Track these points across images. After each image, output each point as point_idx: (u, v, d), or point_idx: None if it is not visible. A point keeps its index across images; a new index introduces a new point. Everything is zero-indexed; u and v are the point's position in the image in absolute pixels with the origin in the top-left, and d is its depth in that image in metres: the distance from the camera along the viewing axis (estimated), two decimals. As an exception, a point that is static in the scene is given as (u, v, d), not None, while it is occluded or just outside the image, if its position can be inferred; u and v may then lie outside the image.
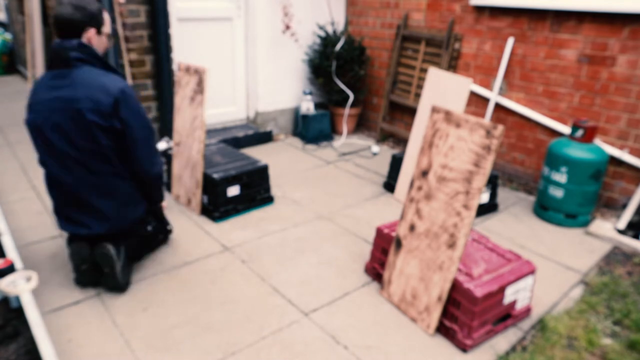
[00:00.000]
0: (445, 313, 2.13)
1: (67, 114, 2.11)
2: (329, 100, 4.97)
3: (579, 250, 2.92)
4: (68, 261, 2.58)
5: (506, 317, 2.19)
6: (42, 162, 2.27)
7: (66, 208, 2.32)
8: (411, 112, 4.53)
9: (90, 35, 2.18)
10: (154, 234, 2.65)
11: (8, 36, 8.10)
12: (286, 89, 4.83)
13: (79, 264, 2.34)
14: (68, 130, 2.14)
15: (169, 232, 2.82)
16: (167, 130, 3.90)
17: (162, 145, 2.82)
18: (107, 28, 2.26)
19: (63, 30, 2.13)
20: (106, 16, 2.26)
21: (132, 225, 2.43)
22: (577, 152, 3.05)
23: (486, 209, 3.34)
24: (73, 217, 2.32)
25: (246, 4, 4.47)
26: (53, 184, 2.30)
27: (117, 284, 2.34)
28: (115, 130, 2.17)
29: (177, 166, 3.37)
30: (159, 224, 2.70)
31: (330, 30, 4.83)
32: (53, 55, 2.15)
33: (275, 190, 3.57)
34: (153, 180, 2.43)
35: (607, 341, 2.16)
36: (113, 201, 2.31)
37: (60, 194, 2.30)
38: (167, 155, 3.52)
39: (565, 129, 3.48)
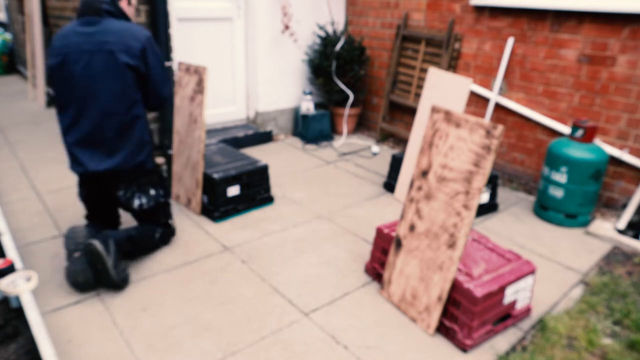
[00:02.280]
0: (445, 313, 2.13)
1: (100, 55, 2.30)
2: (329, 100, 4.97)
3: (579, 250, 2.92)
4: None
5: (506, 317, 2.19)
6: (60, 103, 2.39)
7: (78, 147, 2.40)
8: (411, 112, 4.53)
9: (122, 4, 2.45)
10: (149, 233, 2.62)
11: (8, 36, 8.10)
12: (286, 89, 4.83)
13: (72, 250, 2.33)
14: (98, 69, 2.30)
15: (172, 231, 2.80)
16: (167, 130, 3.91)
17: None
18: (134, 1, 2.56)
19: None
20: None
21: (138, 169, 2.49)
22: (577, 152, 3.05)
23: (486, 209, 3.34)
24: (83, 156, 2.40)
25: (246, 4, 4.47)
26: (69, 123, 2.40)
27: (112, 281, 2.30)
28: (139, 72, 2.38)
29: (177, 166, 3.37)
30: (165, 190, 2.71)
31: (330, 30, 4.83)
32: (85, 6, 2.34)
33: (275, 190, 3.58)
34: (165, 103, 2.63)
35: (607, 341, 2.16)
36: (125, 140, 2.41)
37: (75, 133, 2.39)
38: (167, 156, 3.52)
39: (565, 129, 3.48)
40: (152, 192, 2.61)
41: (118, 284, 2.34)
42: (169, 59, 3.80)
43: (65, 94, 2.36)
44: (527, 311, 2.28)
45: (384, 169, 4.02)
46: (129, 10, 2.52)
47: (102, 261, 2.27)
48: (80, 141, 2.39)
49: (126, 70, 2.33)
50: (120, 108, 2.36)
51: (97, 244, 2.26)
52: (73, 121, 2.38)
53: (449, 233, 2.08)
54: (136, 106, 2.42)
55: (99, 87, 2.32)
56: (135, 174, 2.51)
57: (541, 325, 2.23)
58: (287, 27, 4.51)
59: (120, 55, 2.30)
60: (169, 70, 2.82)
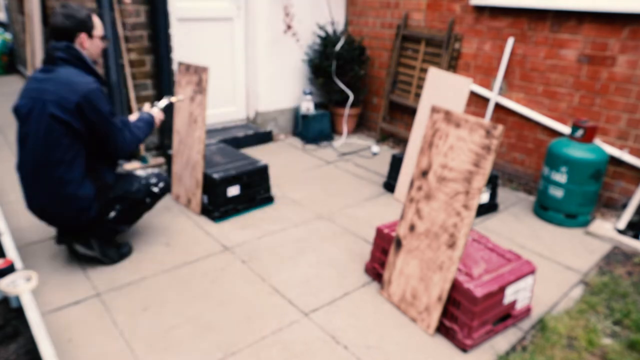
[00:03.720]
0: (445, 313, 2.13)
1: (37, 103, 2.27)
2: (329, 100, 4.97)
3: (579, 250, 2.92)
4: (68, 261, 2.58)
5: (506, 317, 2.19)
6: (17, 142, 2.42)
7: (28, 194, 2.44)
8: (411, 112, 4.53)
9: (82, 40, 2.35)
10: (117, 219, 2.55)
11: (8, 36, 8.10)
12: (286, 88, 4.83)
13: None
14: (33, 116, 2.29)
15: (158, 192, 2.68)
16: (167, 130, 3.91)
17: (162, 102, 2.87)
18: (98, 31, 2.41)
19: (57, 37, 2.34)
20: (96, 20, 2.41)
21: (70, 218, 2.42)
22: (577, 152, 3.05)
23: (486, 209, 3.33)
24: (35, 205, 2.44)
25: (246, 4, 4.47)
26: (19, 169, 2.44)
27: (108, 262, 2.58)
28: (72, 127, 2.27)
29: (177, 166, 3.37)
30: (125, 205, 2.55)
31: (330, 30, 4.83)
32: (45, 53, 2.36)
33: (275, 190, 3.57)
34: (124, 152, 2.52)
35: (607, 341, 2.16)
36: (57, 198, 2.35)
37: (23, 180, 2.44)
38: (167, 156, 3.52)
39: (565, 129, 3.48)
40: (112, 214, 2.51)
41: (113, 262, 2.60)
42: (169, 61, 3.79)
43: (19, 134, 2.38)
44: (527, 311, 2.28)
45: (384, 169, 4.02)
46: (93, 45, 2.40)
47: (90, 257, 2.54)
48: (26, 189, 2.43)
49: (53, 121, 2.23)
50: (48, 157, 2.29)
51: (79, 248, 2.53)
52: (19, 166, 2.43)
53: (449, 233, 2.08)
54: (65, 164, 2.29)
55: (32, 133, 2.29)
56: (88, 223, 2.45)
57: (541, 325, 2.23)
58: (289, 27, 4.51)
59: (50, 106, 2.23)
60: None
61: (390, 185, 3.66)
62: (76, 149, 2.32)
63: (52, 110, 2.23)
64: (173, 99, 2.96)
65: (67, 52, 2.30)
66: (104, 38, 2.46)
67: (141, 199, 2.60)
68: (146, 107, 2.82)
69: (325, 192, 3.62)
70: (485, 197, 3.30)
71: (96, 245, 2.52)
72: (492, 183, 3.31)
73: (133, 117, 2.67)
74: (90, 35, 2.37)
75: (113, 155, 2.52)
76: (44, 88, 2.27)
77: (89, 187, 2.39)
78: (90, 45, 2.39)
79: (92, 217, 2.43)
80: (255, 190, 3.28)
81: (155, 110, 2.74)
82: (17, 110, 2.35)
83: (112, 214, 2.51)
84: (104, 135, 2.36)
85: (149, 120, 2.65)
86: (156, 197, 2.69)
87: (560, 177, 3.11)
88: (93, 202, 2.41)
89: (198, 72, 3.12)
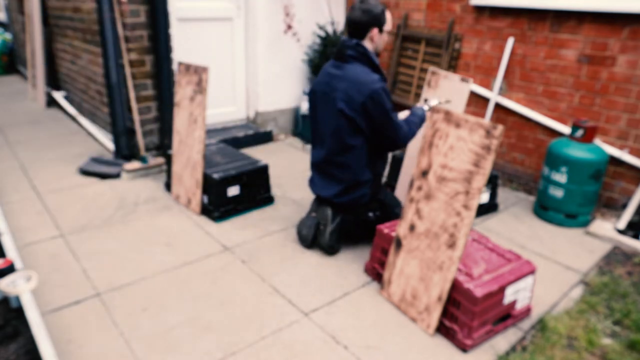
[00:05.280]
0: (445, 313, 2.13)
1: (329, 97, 2.58)
2: (329, 100, 4.96)
3: (579, 250, 2.92)
4: (68, 261, 2.58)
5: (506, 317, 2.19)
6: (310, 123, 2.81)
7: (313, 170, 2.82)
8: (411, 112, 4.53)
9: (373, 34, 2.56)
10: (372, 223, 2.75)
11: (8, 36, 8.10)
12: (286, 88, 4.83)
13: (312, 210, 2.84)
14: (325, 109, 2.62)
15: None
16: (167, 130, 3.91)
17: (433, 101, 2.86)
18: (388, 26, 2.62)
19: (351, 30, 2.58)
20: (388, 16, 2.62)
21: (353, 204, 2.71)
22: (577, 152, 3.05)
23: (486, 209, 3.33)
24: (314, 179, 2.82)
25: (246, 4, 4.47)
26: (312, 145, 2.82)
27: (324, 242, 2.71)
28: (355, 123, 2.52)
29: (177, 166, 3.37)
30: (384, 214, 2.80)
31: (330, 30, 4.83)
32: (337, 49, 2.62)
33: (275, 190, 3.57)
34: (400, 146, 2.67)
35: (607, 341, 2.16)
36: (342, 176, 2.65)
37: (313, 157, 2.80)
38: (167, 156, 3.52)
39: (565, 129, 3.48)
40: (370, 214, 2.79)
41: (326, 247, 2.71)
42: (168, 61, 3.79)
43: (312, 118, 2.75)
44: (527, 311, 2.28)
45: (384, 169, 4.02)
46: (381, 39, 2.60)
47: (325, 223, 2.71)
48: (313, 165, 2.79)
49: (340, 116, 2.52)
50: (335, 149, 2.61)
51: (329, 210, 2.71)
52: (312, 146, 2.80)
53: (449, 233, 2.08)
54: (350, 152, 2.58)
55: (325, 123, 2.62)
56: (353, 207, 2.74)
57: (541, 325, 2.23)
58: (289, 27, 4.51)
59: (339, 103, 2.51)
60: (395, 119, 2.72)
61: (390, 185, 3.65)
62: (360, 140, 2.56)
63: (340, 107, 2.51)
64: (442, 100, 2.94)
65: (356, 50, 2.52)
66: (390, 32, 2.71)
67: (394, 217, 2.77)
68: (419, 103, 2.93)
69: (325, 192, 3.62)
70: (485, 197, 3.30)
71: (337, 221, 2.71)
72: (492, 183, 3.31)
73: (403, 115, 2.76)
74: (380, 30, 2.57)
75: (388, 148, 2.68)
76: (335, 86, 2.55)
77: (368, 173, 2.65)
78: (378, 39, 2.59)
79: (365, 202, 2.72)
80: (255, 190, 3.28)
81: (427, 107, 2.81)
82: (314, 98, 2.70)
83: (371, 214, 2.78)
84: (382, 130, 2.53)
85: (422, 116, 2.74)
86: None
87: (560, 177, 3.11)
88: (369, 187, 2.68)
89: (198, 72, 3.12)
